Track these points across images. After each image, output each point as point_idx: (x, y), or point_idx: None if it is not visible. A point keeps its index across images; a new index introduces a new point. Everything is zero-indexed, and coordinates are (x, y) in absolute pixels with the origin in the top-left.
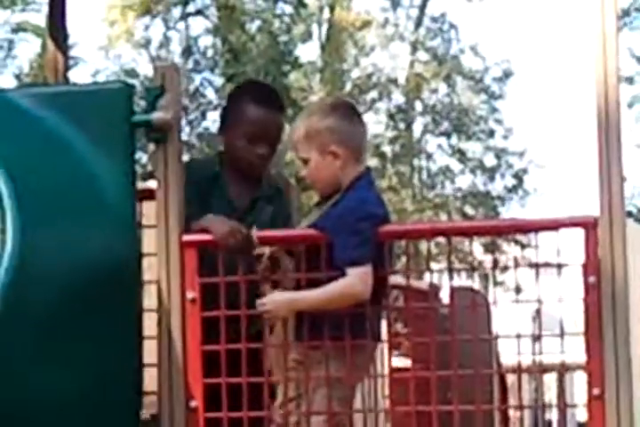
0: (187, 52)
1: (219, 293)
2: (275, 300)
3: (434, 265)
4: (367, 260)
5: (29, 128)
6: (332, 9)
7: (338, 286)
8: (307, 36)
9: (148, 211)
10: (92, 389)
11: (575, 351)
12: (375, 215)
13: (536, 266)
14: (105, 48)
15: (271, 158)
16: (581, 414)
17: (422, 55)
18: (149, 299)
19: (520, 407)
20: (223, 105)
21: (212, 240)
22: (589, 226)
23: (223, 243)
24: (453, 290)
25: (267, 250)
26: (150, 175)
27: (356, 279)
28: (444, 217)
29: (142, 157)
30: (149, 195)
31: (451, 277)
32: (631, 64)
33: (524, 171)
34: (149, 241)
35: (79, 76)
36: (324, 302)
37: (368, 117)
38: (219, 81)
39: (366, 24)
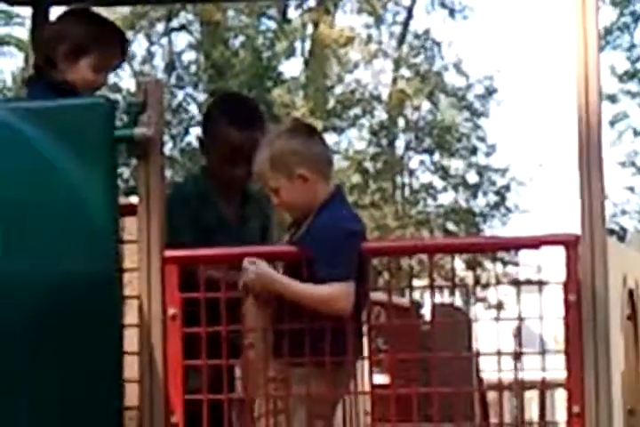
0: (170, 67)
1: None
2: (259, 273)
3: (415, 282)
4: (350, 277)
5: (10, 142)
6: (315, 25)
7: (323, 293)
8: (290, 52)
9: (130, 226)
10: (74, 404)
11: (556, 369)
12: (354, 232)
13: (517, 283)
14: None
15: (251, 176)
16: None
17: (405, 72)
18: (130, 314)
19: (501, 425)
20: (201, 123)
21: (193, 256)
22: (570, 244)
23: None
24: (435, 307)
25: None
26: (132, 190)
27: (340, 295)
28: (426, 234)
29: (124, 171)
30: (131, 210)
31: (432, 294)
32: (613, 82)
33: (507, 188)
34: (131, 256)
35: None
36: (304, 301)
37: (351, 134)
38: (202, 97)
39: (350, 40)
